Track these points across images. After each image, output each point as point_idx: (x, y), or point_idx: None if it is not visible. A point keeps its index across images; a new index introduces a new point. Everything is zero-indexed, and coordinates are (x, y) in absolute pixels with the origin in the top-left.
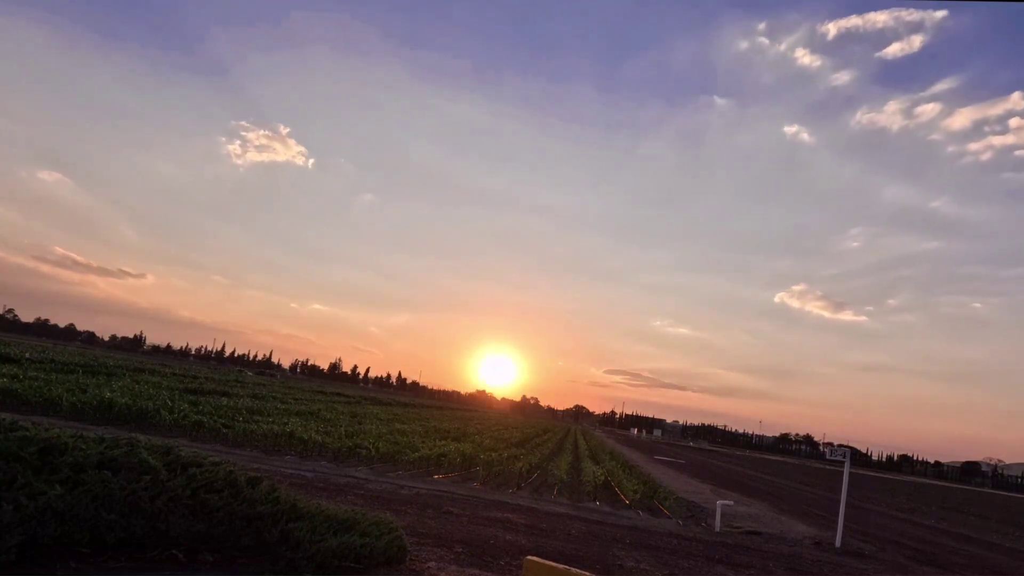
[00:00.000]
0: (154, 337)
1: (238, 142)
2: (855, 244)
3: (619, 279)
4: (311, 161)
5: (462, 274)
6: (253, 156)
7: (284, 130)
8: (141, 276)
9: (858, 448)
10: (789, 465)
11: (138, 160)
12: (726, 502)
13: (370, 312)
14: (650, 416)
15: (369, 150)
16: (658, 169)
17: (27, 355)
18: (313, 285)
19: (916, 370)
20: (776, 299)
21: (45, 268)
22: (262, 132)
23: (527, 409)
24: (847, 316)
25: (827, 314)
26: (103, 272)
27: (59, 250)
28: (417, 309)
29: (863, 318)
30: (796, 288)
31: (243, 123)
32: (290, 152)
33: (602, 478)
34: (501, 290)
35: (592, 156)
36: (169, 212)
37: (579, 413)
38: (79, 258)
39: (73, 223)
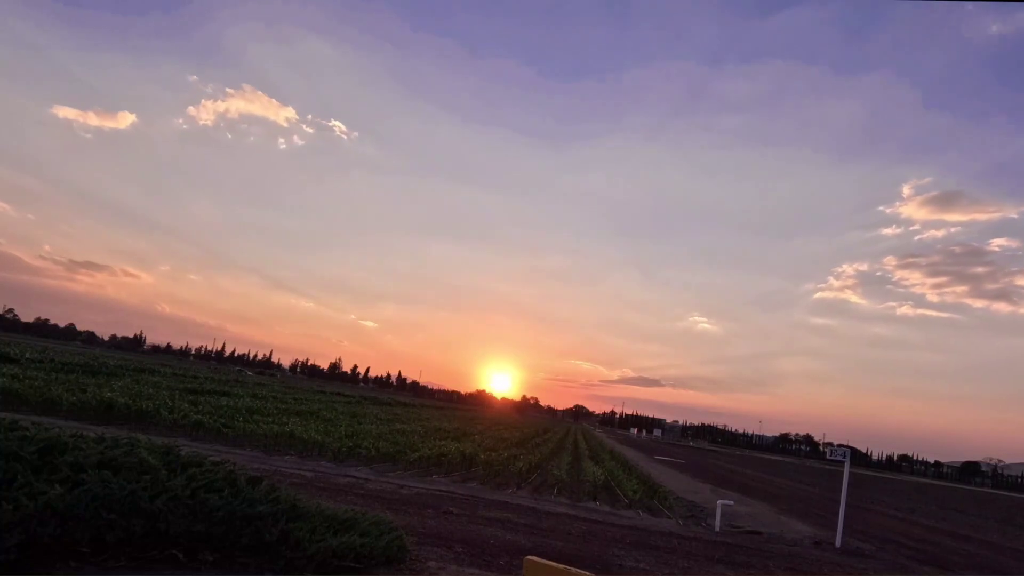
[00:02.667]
0: (150, 336)
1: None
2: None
3: (621, 277)
4: (306, 134)
5: (462, 272)
6: (237, 125)
7: (277, 102)
8: (129, 273)
9: (858, 448)
10: (789, 465)
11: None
12: (726, 502)
13: (369, 311)
14: (650, 416)
15: (369, 125)
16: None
17: (27, 355)
18: (309, 280)
19: (923, 370)
20: (788, 293)
21: (33, 263)
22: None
23: (527, 409)
24: (874, 307)
25: (857, 300)
26: (88, 268)
27: (45, 247)
28: (417, 308)
29: (890, 303)
30: (811, 283)
31: (239, 90)
32: (281, 120)
33: (602, 478)
34: (502, 288)
35: (610, 138)
36: (155, 202)
37: (579, 413)
38: (62, 254)
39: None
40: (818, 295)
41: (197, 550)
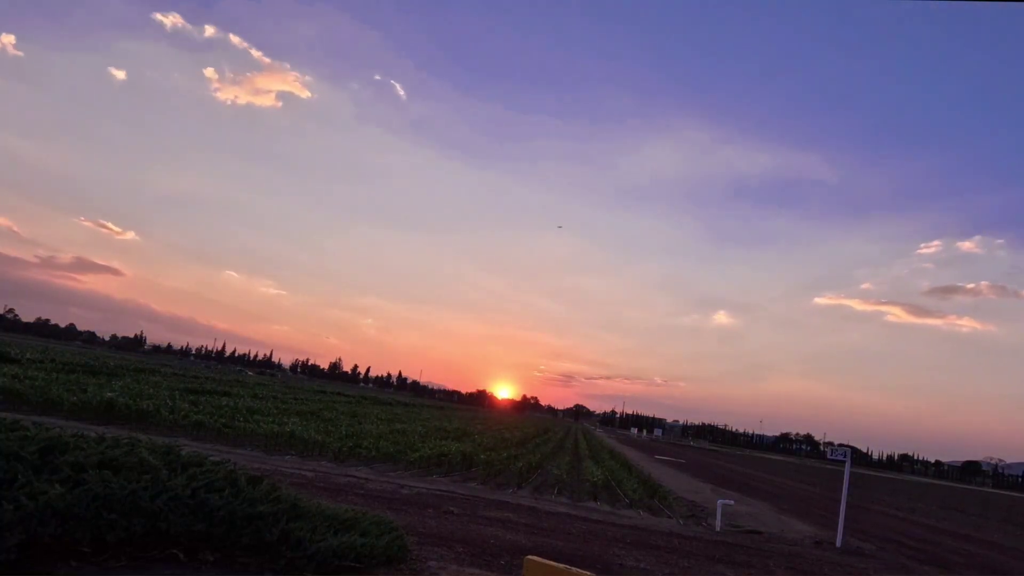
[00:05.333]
0: (147, 335)
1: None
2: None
3: (621, 275)
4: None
5: (462, 272)
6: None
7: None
8: (118, 271)
9: (858, 448)
10: (790, 464)
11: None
12: (727, 501)
13: (369, 310)
14: (650, 415)
15: (366, 103)
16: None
17: (27, 355)
18: (299, 274)
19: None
20: (798, 290)
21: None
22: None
23: (527, 409)
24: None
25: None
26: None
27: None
28: (417, 307)
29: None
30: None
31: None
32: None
33: (602, 477)
34: (502, 288)
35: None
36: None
37: (579, 413)
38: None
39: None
40: (824, 298)
41: (198, 550)
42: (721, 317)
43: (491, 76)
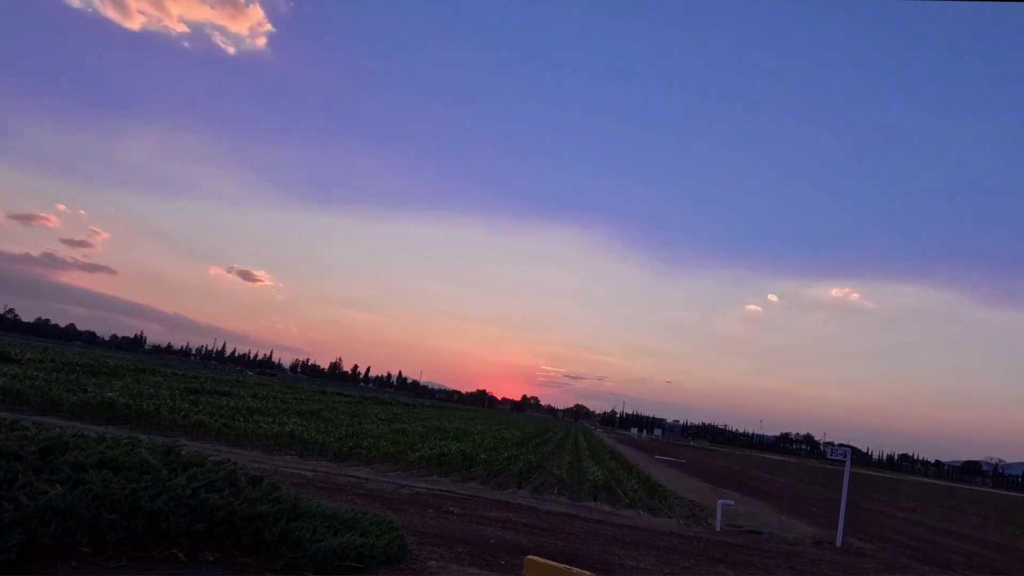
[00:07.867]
0: (146, 335)
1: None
2: None
3: (621, 273)
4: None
5: (462, 271)
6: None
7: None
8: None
9: (858, 447)
10: (790, 464)
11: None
12: (727, 501)
13: (370, 309)
14: (650, 416)
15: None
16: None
17: (28, 355)
18: (307, 274)
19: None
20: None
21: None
22: None
23: (527, 409)
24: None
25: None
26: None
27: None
28: (417, 306)
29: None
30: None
31: None
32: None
33: (602, 477)
34: (502, 288)
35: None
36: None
37: (579, 413)
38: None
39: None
40: (835, 291)
41: (198, 550)
42: (722, 317)
43: (507, 45)
